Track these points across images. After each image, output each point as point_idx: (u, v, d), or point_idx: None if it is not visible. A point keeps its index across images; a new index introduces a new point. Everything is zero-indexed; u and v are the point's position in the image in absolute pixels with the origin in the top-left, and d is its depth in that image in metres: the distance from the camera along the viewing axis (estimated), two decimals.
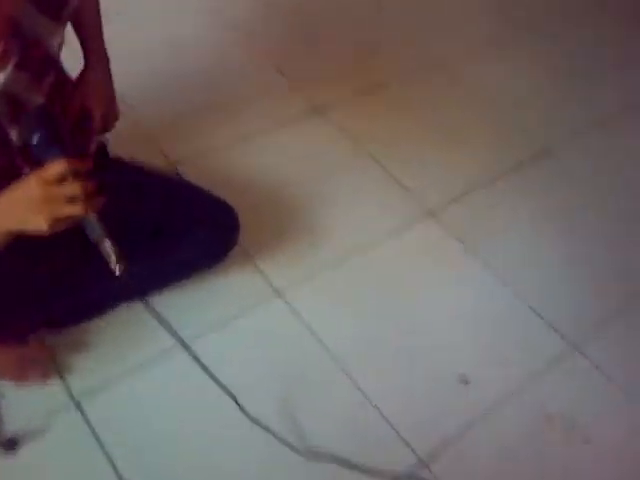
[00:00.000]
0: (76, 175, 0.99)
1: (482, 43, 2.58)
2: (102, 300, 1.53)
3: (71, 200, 0.98)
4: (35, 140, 1.05)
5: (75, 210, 0.99)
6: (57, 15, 1.22)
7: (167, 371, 1.48)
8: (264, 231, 1.77)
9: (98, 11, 1.45)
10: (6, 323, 1.32)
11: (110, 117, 1.44)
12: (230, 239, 1.58)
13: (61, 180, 0.98)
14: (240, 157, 1.92)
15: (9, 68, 1.12)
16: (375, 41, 2.49)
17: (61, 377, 1.44)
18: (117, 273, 1.04)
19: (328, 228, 1.81)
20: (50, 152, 1.03)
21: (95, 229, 1.03)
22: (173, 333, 1.23)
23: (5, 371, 1.42)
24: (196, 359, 1.25)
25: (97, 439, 1.35)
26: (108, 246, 1.04)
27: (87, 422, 1.37)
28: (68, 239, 1.35)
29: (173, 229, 1.49)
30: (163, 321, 1.20)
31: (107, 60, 1.46)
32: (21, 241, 1.24)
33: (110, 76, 1.47)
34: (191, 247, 1.50)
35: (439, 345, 1.61)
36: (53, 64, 1.27)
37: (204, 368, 1.23)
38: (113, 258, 1.03)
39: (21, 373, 1.42)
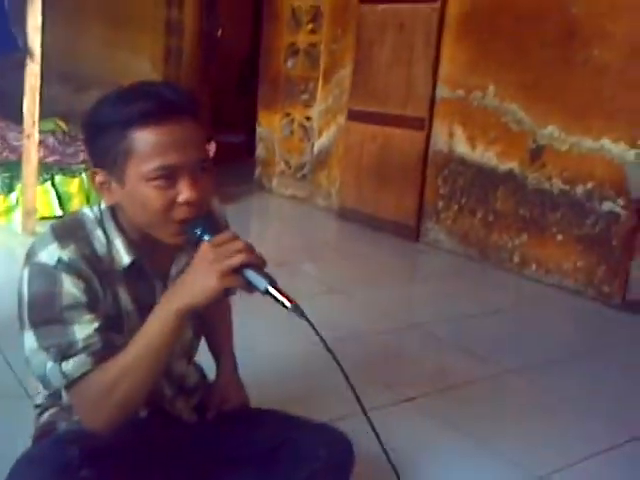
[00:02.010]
0: (238, 238, 1.25)
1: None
2: None
3: (236, 252, 1.21)
4: (198, 232, 1.30)
5: (238, 259, 1.21)
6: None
7: None
8: None
9: (230, 330, 1.84)
10: None
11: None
12: (347, 462, 1.61)
13: (228, 242, 1.24)
14: None
15: None
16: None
17: None
18: (290, 308, 1.21)
19: None
20: (212, 233, 1.29)
21: (259, 280, 1.22)
22: None
23: None
24: None
25: None
26: (276, 289, 1.22)
27: None
28: (182, 457, 1.57)
29: (289, 451, 1.56)
30: None
31: (235, 363, 1.80)
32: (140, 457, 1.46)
33: (238, 378, 1.79)
34: (306, 467, 1.53)
35: None
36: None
37: None
38: (285, 299, 1.21)
39: None
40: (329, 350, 1.24)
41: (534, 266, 4.03)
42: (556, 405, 2.50)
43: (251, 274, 1.23)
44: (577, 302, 3.73)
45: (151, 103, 1.29)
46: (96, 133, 1.32)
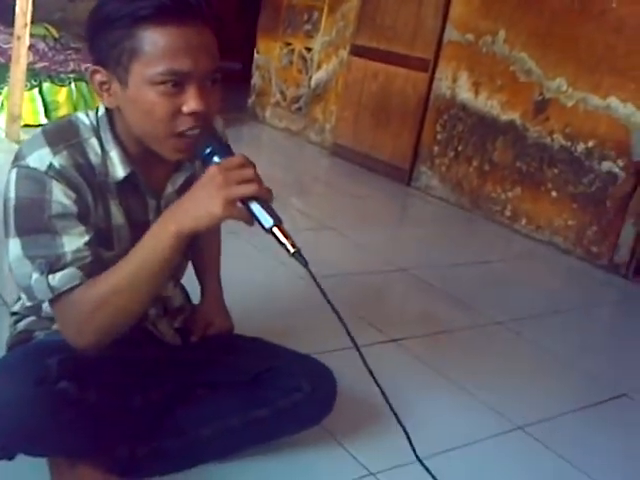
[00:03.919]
0: (249, 164, 1.15)
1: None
2: (185, 451, 1.52)
3: (245, 181, 1.13)
4: (208, 150, 1.21)
5: (248, 189, 1.12)
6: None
7: None
8: (349, 420, 1.82)
9: (218, 255, 1.76)
10: (91, 447, 1.38)
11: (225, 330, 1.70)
12: (329, 395, 1.60)
13: (239, 167, 1.14)
14: None
15: None
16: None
17: None
18: (291, 251, 1.13)
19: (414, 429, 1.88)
20: (222, 155, 1.20)
21: (265, 217, 1.13)
22: None
23: None
24: None
25: None
26: (281, 231, 1.14)
27: None
28: (162, 378, 1.53)
29: (272, 379, 1.54)
30: None
31: (220, 288, 1.75)
32: (125, 366, 1.41)
33: (223, 303, 1.74)
34: (288, 396, 1.52)
35: None
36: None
37: None
38: (288, 243, 1.13)
39: None
40: (327, 299, 1.16)
41: (524, 221, 3.98)
42: (539, 359, 2.49)
43: (257, 208, 1.14)
44: (565, 260, 3.71)
45: (168, 0, 1.18)
46: (101, 27, 1.20)
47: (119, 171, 1.29)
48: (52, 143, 1.23)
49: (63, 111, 4.38)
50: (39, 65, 4.54)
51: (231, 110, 5.85)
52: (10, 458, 1.33)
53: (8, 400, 1.21)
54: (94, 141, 1.29)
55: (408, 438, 1.32)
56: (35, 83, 4.29)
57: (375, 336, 2.38)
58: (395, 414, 1.27)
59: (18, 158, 1.23)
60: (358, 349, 1.21)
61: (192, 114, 1.21)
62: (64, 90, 4.42)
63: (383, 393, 1.25)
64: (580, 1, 3.65)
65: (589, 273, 3.57)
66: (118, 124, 1.30)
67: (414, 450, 1.35)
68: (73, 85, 4.45)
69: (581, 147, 3.68)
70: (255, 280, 2.65)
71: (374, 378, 1.24)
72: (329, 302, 1.17)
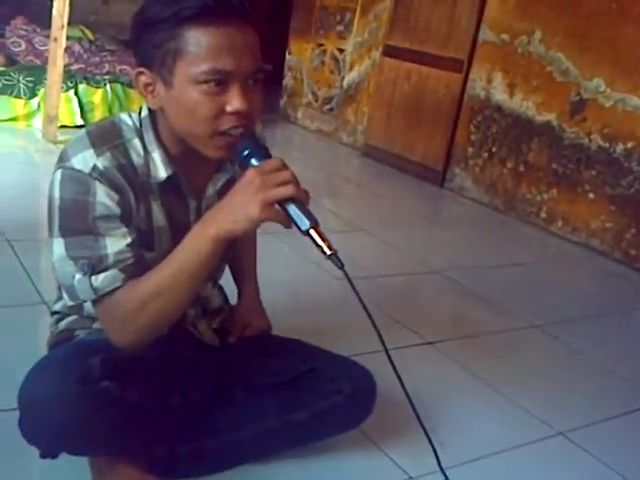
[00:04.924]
0: (286, 167, 1.16)
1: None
2: (223, 452, 1.53)
3: (283, 184, 1.13)
4: (246, 152, 1.21)
5: (286, 191, 1.12)
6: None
7: None
8: (388, 424, 1.80)
9: (255, 256, 1.77)
10: (131, 447, 1.40)
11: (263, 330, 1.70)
12: (369, 398, 1.59)
13: (276, 171, 1.14)
14: None
15: None
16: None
17: None
18: (328, 253, 1.13)
19: (453, 434, 1.85)
20: (260, 157, 1.20)
21: (302, 219, 1.13)
22: None
23: None
24: None
25: None
26: (317, 233, 1.13)
27: None
28: (202, 378, 1.53)
29: (311, 381, 1.54)
30: None
31: (257, 289, 1.75)
32: (164, 366, 1.42)
33: (260, 304, 1.74)
34: (328, 399, 1.52)
35: None
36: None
37: None
38: (325, 245, 1.13)
39: None
40: (360, 300, 1.15)
41: (560, 223, 3.93)
42: (578, 364, 2.45)
43: (294, 210, 1.14)
44: (602, 263, 3.65)
45: (211, 0, 1.18)
46: (145, 29, 1.21)
47: (161, 172, 1.30)
48: (96, 145, 1.24)
49: (98, 112, 4.43)
50: (75, 67, 4.60)
51: (263, 110, 5.84)
52: (54, 457, 1.34)
53: (50, 398, 1.22)
54: (137, 142, 1.29)
55: (430, 442, 1.29)
56: (71, 85, 4.34)
57: (411, 338, 2.36)
58: (419, 419, 1.24)
59: (63, 159, 1.24)
60: (385, 348, 1.18)
61: (235, 113, 1.21)
62: (99, 91, 4.47)
63: (408, 397, 1.23)
64: (618, 3, 3.60)
65: (627, 276, 3.51)
66: (161, 125, 1.30)
67: (436, 455, 1.32)
68: (108, 87, 4.49)
69: (620, 148, 3.62)
70: (290, 281, 2.65)
71: (401, 382, 1.22)
72: (361, 301, 1.15)
